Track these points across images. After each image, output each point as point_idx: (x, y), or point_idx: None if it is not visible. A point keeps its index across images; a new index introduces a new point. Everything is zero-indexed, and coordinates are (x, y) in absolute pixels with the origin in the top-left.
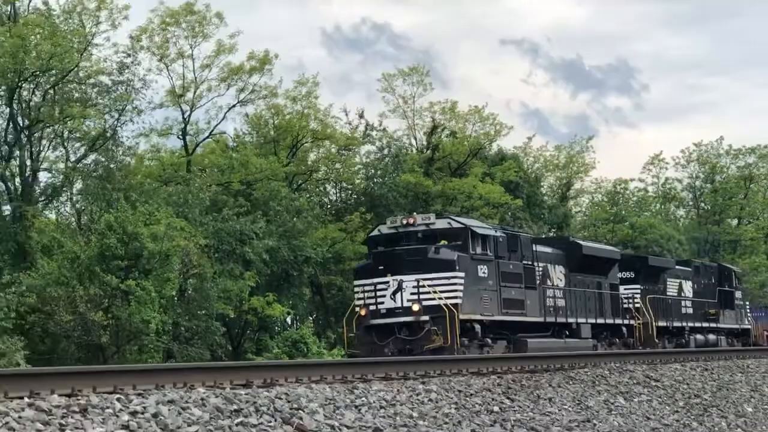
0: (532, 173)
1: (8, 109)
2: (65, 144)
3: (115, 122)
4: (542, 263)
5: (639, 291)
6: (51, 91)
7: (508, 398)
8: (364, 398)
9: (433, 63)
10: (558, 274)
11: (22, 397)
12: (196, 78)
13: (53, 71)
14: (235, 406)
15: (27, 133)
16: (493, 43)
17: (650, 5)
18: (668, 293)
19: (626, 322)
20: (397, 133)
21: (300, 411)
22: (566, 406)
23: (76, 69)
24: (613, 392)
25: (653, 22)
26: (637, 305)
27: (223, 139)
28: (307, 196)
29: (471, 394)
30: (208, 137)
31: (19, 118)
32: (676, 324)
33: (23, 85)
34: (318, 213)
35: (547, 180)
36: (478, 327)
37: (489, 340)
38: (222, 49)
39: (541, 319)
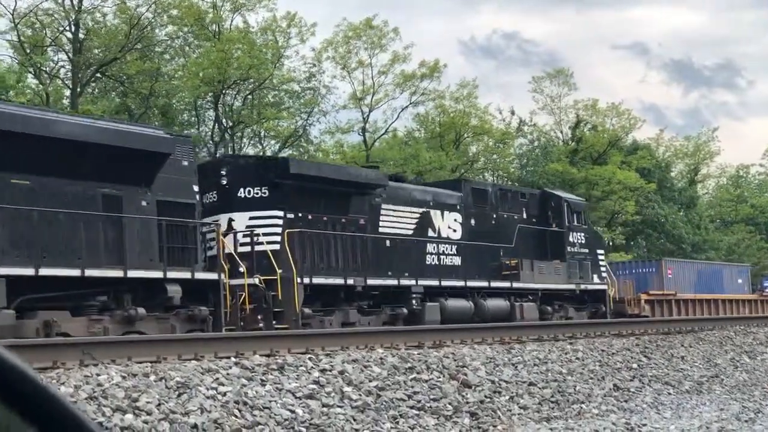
0: (663, 161)
1: (214, 112)
2: (262, 141)
3: (305, 122)
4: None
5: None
6: (249, 97)
7: (645, 357)
8: (519, 357)
9: (559, 65)
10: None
11: (229, 357)
12: (374, 83)
13: (251, 80)
14: (409, 364)
15: (230, 133)
16: (612, 47)
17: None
18: (382, 229)
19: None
20: (545, 127)
21: (465, 368)
22: (697, 364)
23: (270, 77)
24: (738, 351)
25: (761, 27)
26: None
27: (398, 136)
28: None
29: (613, 353)
30: (384, 134)
31: (223, 120)
32: (388, 282)
33: (226, 91)
34: None
35: (677, 166)
36: None
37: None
38: (397, 58)
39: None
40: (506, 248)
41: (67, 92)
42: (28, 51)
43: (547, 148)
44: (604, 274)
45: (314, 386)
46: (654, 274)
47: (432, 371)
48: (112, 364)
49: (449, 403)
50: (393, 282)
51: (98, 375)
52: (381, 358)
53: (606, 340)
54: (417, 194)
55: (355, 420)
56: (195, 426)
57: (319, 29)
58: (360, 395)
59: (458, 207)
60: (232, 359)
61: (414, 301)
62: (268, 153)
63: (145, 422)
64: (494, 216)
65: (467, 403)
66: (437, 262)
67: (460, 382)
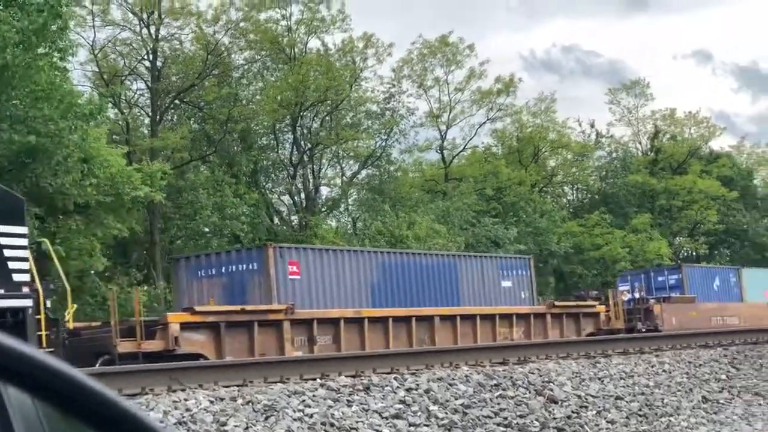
0: (745, 168)
1: (292, 135)
2: (341, 162)
3: (383, 143)
4: None
5: None
6: (327, 118)
7: (733, 367)
8: (606, 371)
9: (620, 74)
10: None
11: (314, 379)
12: (450, 100)
13: (329, 101)
14: (494, 381)
15: (309, 154)
16: (673, 56)
17: None
18: None
19: None
20: (623, 138)
21: (551, 384)
22: None
23: (347, 98)
24: None
25: None
26: None
27: (476, 153)
28: (549, 198)
29: (700, 365)
30: (462, 151)
31: (302, 142)
32: None
33: (304, 113)
34: (564, 215)
35: (759, 173)
36: None
37: None
38: (473, 74)
39: None
40: None
41: (147, 120)
42: (107, 81)
43: (626, 159)
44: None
45: (400, 406)
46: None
47: (518, 387)
48: (200, 389)
49: (536, 419)
50: None
51: (186, 400)
52: (466, 376)
53: (693, 351)
54: None
55: None
56: None
57: (395, 49)
58: (446, 413)
59: None
60: (318, 381)
61: None
62: (348, 173)
63: None
64: None
65: (554, 419)
66: None
67: (547, 398)
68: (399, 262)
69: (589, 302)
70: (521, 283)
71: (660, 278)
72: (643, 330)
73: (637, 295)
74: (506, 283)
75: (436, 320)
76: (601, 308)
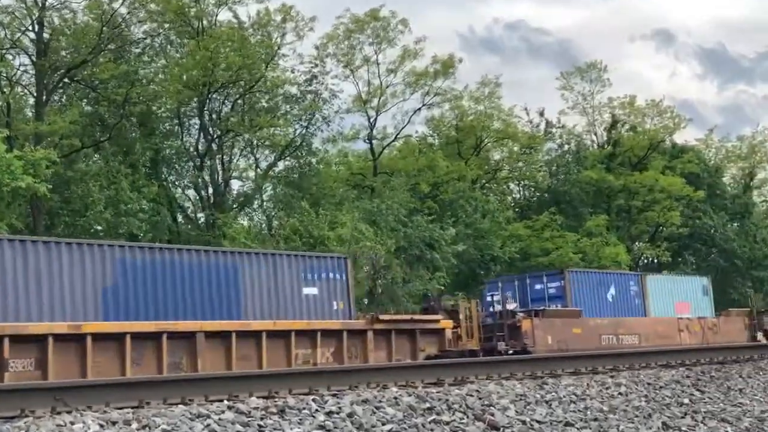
0: (713, 165)
1: (199, 120)
2: (255, 152)
3: (304, 130)
4: None
5: None
6: (240, 102)
7: (698, 390)
8: (554, 393)
9: (572, 56)
10: None
11: (221, 400)
12: (381, 83)
13: (242, 82)
14: (427, 404)
15: (218, 143)
16: (629, 36)
17: None
18: None
19: None
20: (576, 129)
21: (491, 407)
22: (757, 397)
23: (263, 79)
24: None
25: None
26: None
27: (410, 143)
28: (492, 196)
29: (660, 387)
30: (393, 141)
31: (210, 129)
32: None
33: (213, 96)
34: (509, 216)
35: (729, 170)
36: None
37: None
38: (407, 54)
39: None
40: None
41: (31, 101)
42: None
43: (580, 153)
44: None
45: (319, 431)
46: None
47: (454, 412)
48: (88, 410)
49: None
50: None
51: (72, 423)
52: (395, 398)
53: (653, 371)
54: None
55: None
56: None
57: (318, 24)
58: None
59: None
60: (225, 402)
61: None
62: (263, 165)
63: None
64: None
65: None
66: None
67: (487, 424)
68: (149, 260)
69: (432, 316)
70: (333, 291)
71: (537, 286)
72: (509, 351)
73: (500, 308)
74: (310, 290)
75: (199, 338)
76: (447, 323)
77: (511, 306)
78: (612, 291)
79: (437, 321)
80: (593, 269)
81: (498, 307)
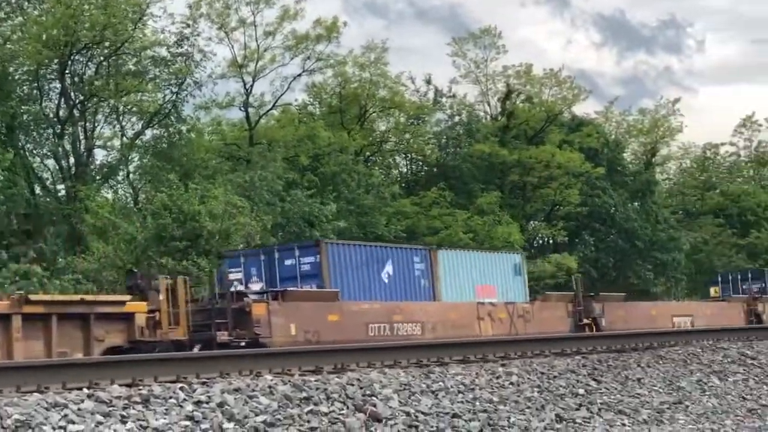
0: (613, 139)
1: (60, 84)
2: (120, 120)
3: (174, 96)
4: None
5: None
6: (105, 64)
7: (594, 380)
8: (441, 383)
9: (462, 21)
10: None
11: (81, 388)
12: (259, 47)
13: (107, 43)
14: (304, 394)
15: (80, 109)
16: (520, 1)
17: None
18: None
19: None
20: (468, 99)
21: (373, 397)
22: (656, 387)
23: (131, 40)
24: (706, 371)
25: None
26: None
27: (289, 112)
28: (377, 169)
29: (554, 377)
30: (271, 109)
31: (72, 93)
32: None
33: (75, 57)
34: (395, 191)
35: (630, 146)
36: None
37: None
38: (287, 15)
39: None
40: None
41: None
42: None
43: (471, 124)
44: None
45: (187, 423)
46: None
47: (333, 402)
48: None
49: None
50: None
51: None
52: (270, 387)
53: (546, 360)
54: None
55: None
56: None
57: None
58: None
59: None
60: (85, 391)
61: None
62: (130, 133)
63: None
64: None
65: None
66: None
67: (368, 415)
68: None
69: (115, 297)
70: None
71: (288, 261)
72: (241, 344)
73: (225, 289)
74: None
75: None
76: (139, 306)
77: (257, 286)
78: (388, 269)
79: (122, 303)
80: (359, 241)
81: (241, 288)
